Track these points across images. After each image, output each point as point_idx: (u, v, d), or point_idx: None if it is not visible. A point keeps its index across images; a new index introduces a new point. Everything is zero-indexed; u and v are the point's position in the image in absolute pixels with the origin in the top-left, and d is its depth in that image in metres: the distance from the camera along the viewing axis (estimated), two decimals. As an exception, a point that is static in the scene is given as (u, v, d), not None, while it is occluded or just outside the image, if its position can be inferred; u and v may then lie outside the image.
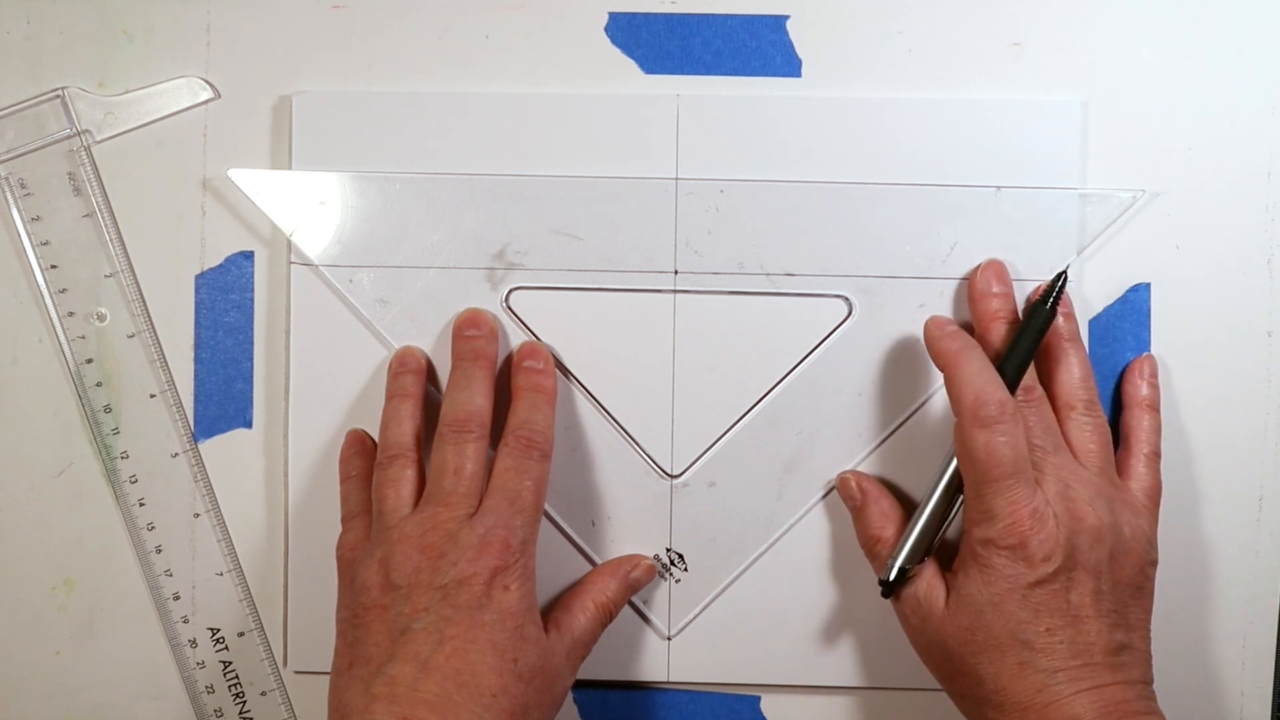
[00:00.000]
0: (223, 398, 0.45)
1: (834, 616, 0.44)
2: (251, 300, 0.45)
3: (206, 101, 0.45)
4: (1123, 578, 0.38)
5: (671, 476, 0.44)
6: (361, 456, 0.43)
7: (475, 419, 0.40)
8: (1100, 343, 0.44)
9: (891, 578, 0.40)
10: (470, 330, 0.43)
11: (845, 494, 0.43)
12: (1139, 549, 0.38)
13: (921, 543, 0.40)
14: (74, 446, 0.45)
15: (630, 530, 0.44)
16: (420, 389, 0.43)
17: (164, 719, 0.45)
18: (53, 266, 0.44)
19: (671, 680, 0.45)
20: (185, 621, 0.45)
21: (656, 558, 0.44)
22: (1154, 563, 0.39)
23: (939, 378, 0.43)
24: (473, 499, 0.39)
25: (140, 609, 0.45)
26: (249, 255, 0.45)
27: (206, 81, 0.45)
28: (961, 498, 0.39)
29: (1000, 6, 0.44)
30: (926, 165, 0.43)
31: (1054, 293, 0.40)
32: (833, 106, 0.43)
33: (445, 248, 0.44)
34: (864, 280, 0.43)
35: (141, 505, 0.45)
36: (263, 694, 0.45)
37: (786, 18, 0.44)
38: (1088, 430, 0.40)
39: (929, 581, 0.39)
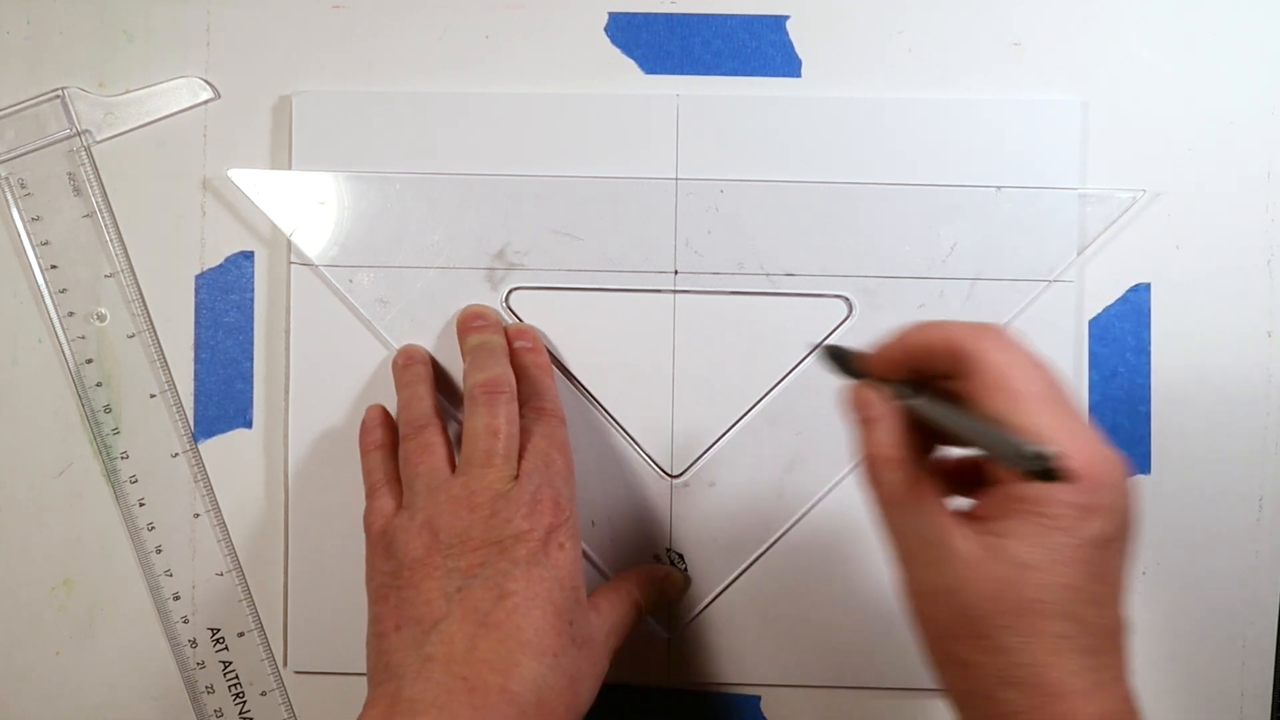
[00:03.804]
0: (223, 398, 0.45)
1: (834, 616, 0.44)
2: (251, 300, 0.45)
3: (206, 101, 0.45)
4: (1124, 538, 0.32)
5: (671, 476, 0.44)
6: (384, 428, 0.43)
7: (504, 381, 0.40)
8: (1100, 343, 0.44)
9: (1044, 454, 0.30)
10: (478, 321, 0.43)
11: (858, 404, 0.34)
12: (1130, 498, 0.32)
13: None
14: (74, 446, 0.45)
15: (630, 530, 0.44)
16: (430, 377, 0.43)
17: (164, 719, 0.45)
18: (53, 266, 0.44)
19: (671, 680, 0.45)
20: (185, 621, 0.45)
21: (656, 558, 0.44)
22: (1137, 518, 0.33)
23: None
24: (513, 460, 0.38)
25: (140, 609, 0.45)
26: (249, 255, 0.45)
27: (206, 81, 0.45)
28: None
29: (1000, 6, 0.44)
30: (926, 165, 0.43)
31: None
32: (833, 106, 0.43)
33: (445, 248, 0.44)
34: (864, 280, 0.43)
35: (141, 505, 0.45)
36: (263, 694, 0.45)
37: (786, 18, 0.44)
38: None
39: (948, 511, 0.32)
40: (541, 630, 0.35)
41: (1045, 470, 0.29)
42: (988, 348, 0.31)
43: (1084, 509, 0.30)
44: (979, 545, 0.31)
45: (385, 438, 0.42)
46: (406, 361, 0.43)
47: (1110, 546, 0.30)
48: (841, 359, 0.35)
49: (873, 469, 0.34)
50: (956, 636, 0.31)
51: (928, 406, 0.32)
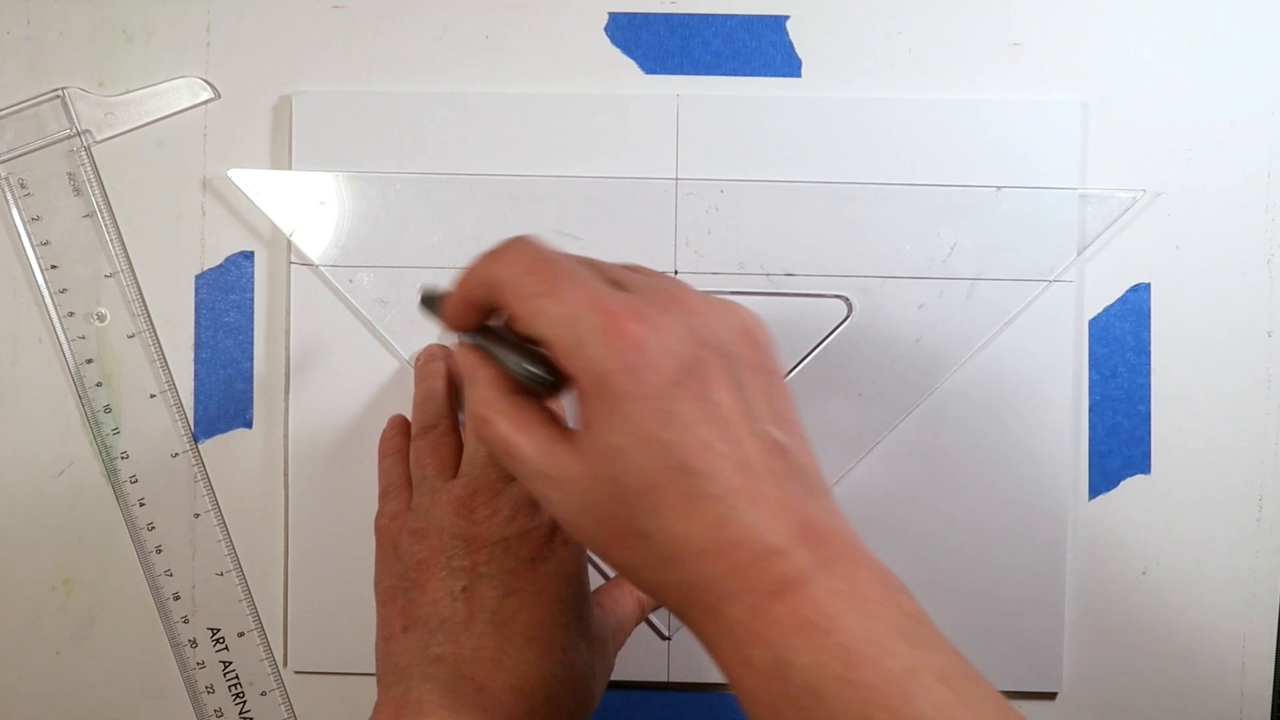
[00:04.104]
0: (223, 398, 0.45)
1: (834, 616, 0.44)
2: (251, 300, 0.45)
3: (206, 101, 0.45)
4: (751, 362, 0.30)
5: (671, 476, 0.44)
6: (402, 435, 0.43)
7: None
8: (1100, 343, 0.44)
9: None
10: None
11: (463, 362, 0.32)
12: (750, 321, 0.31)
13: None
14: (74, 446, 0.45)
15: (630, 530, 0.44)
16: (447, 375, 0.42)
17: (164, 719, 0.45)
18: (53, 266, 0.44)
19: (671, 680, 0.45)
20: (185, 621, 0.45)
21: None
22: (772, 342, 0.31)
23: (939, 378, 0.43)
24: None
25: (140, 609, 0.45)
26: (249, 255, 0.45)
27: (206, 81, 0.45)
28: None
29: (1000, 6, 0.44)
30: (926, 165, 0.43)
31: None
32: (833, 106, 0.43)
33: (445, 248, 0.44)
34: (864, 280, 0.43)
35: (141, 505, 0.45)
36: (263, 694, 0.45)
37: (786, 18, 0.44)
38: None
39: (549, 440, 0.30)
40: (548, 626, 0.35)
41: (549, 382, 0.30)
42: (498, 269, 0.30)
43: (640, 368, 0.27)
44: (579, 459, 0.29)
45: (401, 445, 0.42)
46: (427, 359, 0.43)
47: (690, 382, 0.28)
48: (435, 307, 0.33)
49: (476, 427, 0.31)
50: (615, 546, 0.29)
51: (487, 346, 0.31)
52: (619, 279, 0.30)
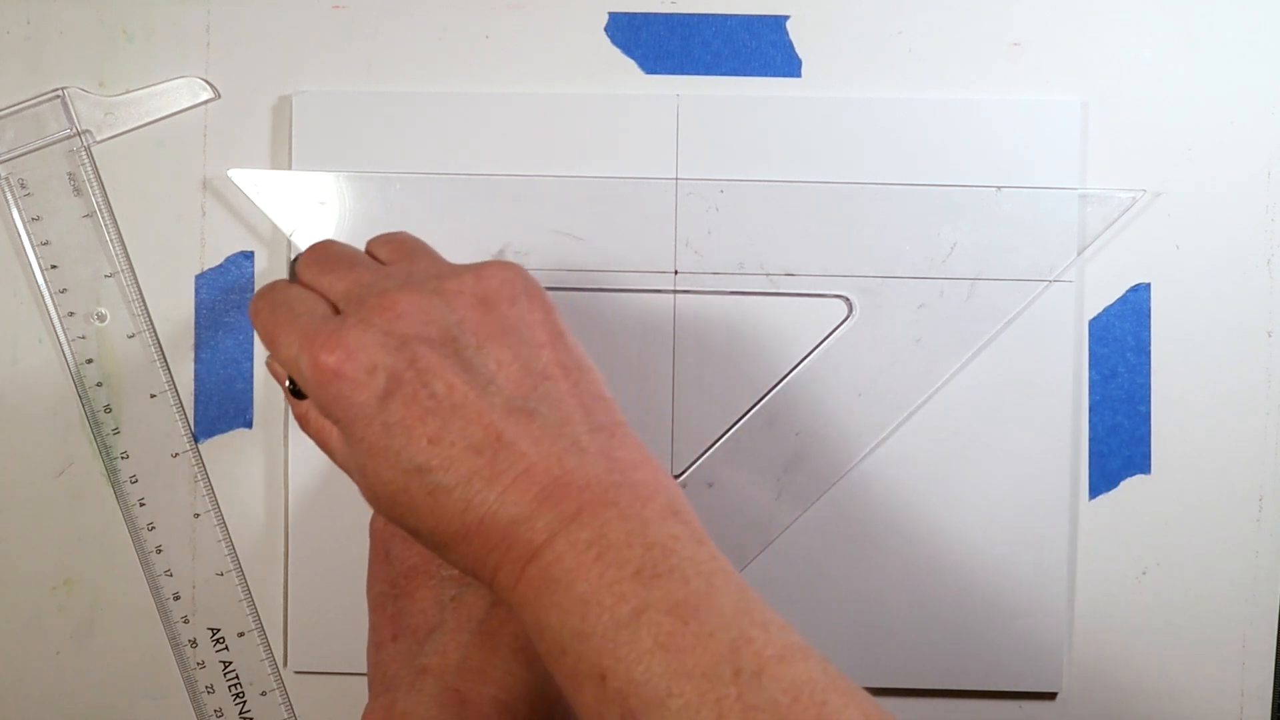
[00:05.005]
0: (223, 398, 0.45)
1: (833, 617, 0.44)
2: (251, 300, 0.45)
3: (206, 101, 0.45)
4: (485, 330, 0.30)
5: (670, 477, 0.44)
6: None
7: None
8: (1100, 343, 0.44)
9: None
10: None
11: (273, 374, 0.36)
12: (489, 286, 0.31)
13: None
14: (74, 446, 0.45)
15: (630, 530, 0.44)
16: None
17: (164, 719, 0.45)
18: (53, 266, 0.44)
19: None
20: (185, 621, 0.45)
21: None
22: (522, 293, 0.31)
23: (939, 378, 0.43)
24: None
25: (140, 609, 0.45)
26: (249, 255, 0.45)
27: (206, 81, 0.45)
28: None
29: (1000, 6, 0.44)
30: (926, 165, 0.43)
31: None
32: (833, 106, 0.43)
33: (445, 248, 0.44)
34: (864, 280, 0.43)
35: (141, 505, 0.45)
36: (263, 694, 0.45)
37: (786, 18, 0.44)
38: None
39: (341, 442, 0.31)
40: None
41: (296, 391, 0.33)
42: (257, 330, 0.33)
43: (346, 388, 0.29)
44: (361, 486, 0.30)
45: None
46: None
47: (401, 386, 0.29)
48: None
49: (304, 428, 0.34)
50: (409, 542, 0.34)
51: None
52: (354, 284, 0.31)
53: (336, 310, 0.32)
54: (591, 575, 0.26)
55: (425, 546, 0.31)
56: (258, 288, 0.44)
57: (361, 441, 0.29)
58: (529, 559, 0.27)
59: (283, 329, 0.31)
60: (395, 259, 0.34)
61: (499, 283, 0.31)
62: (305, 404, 0.33)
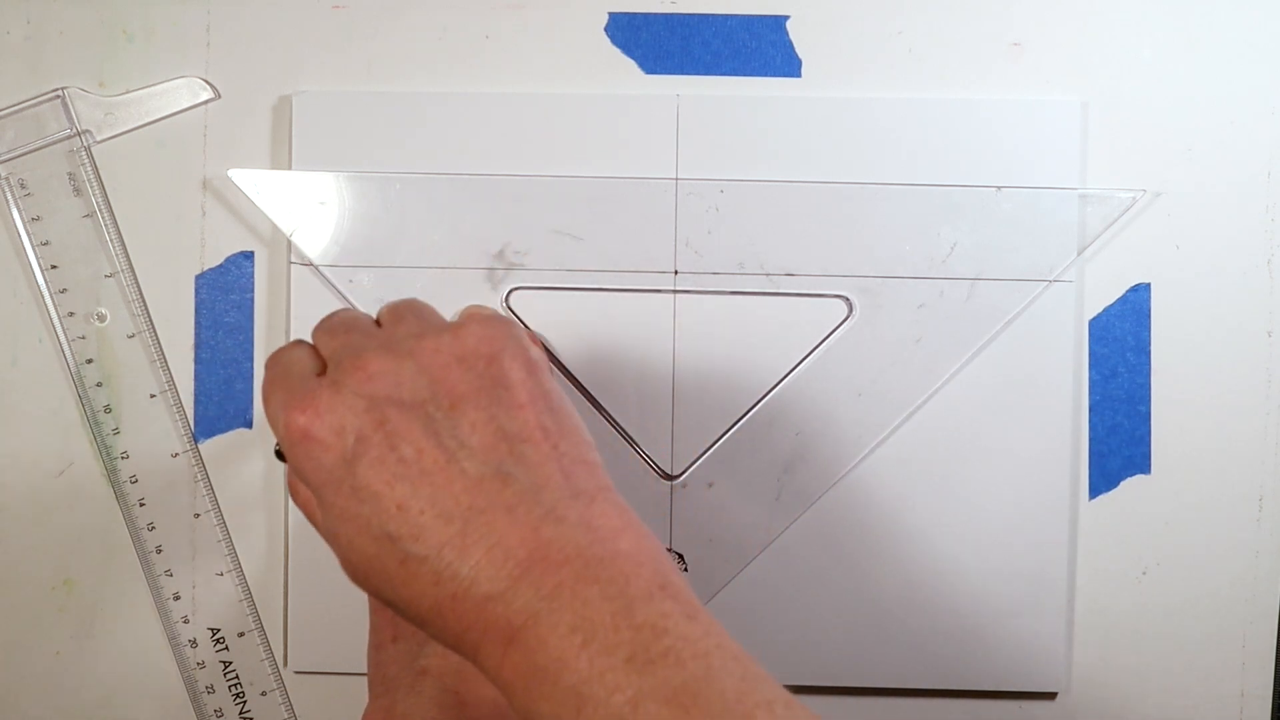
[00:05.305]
0: (223, 398, 0.45)
1: (833, 617, 0.44)
2: (251, 300, 0.45)
3: (206, 101, 0.45)
4: (461, 392, 0.29)
5: (671, 477, 0.44)
6: None
7: None
8: (1100, 343, 0.44)
9: None
10: None
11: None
12: (470, 346, 0.30)
13: None
14: (74, 446, 0.45)
15: (630, 530, 0.44)
16: None
17: (164, 719, 0.45)
18: (53, 266, 0.44)
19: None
20: (185, 621, 0.45)
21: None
22: (502, 351, 0.30)
23: (939, 378, 0.43)
24: None
25: (140, 609, 0.45)
26: (249, 255, 0.45)
27: (206, 81, 0.45)
28: None
29: (1000, 6, 0.44)
30: (926, 165, 0.43)
31: None
32: (833, 106, 0.43)
33: (445, 248, 0.44)
34: (864, 280, 0.43)
35: (141, 505, 0.45)
36: (263, 694, 0.45)
37: (786, 18, 0.44)
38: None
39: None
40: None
41: (279, 454, 0.32)
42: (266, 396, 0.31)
43: (315, 449, 0.28)
44: (326, 527, 0.29)
45: None
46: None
47: (369, 449, 0.28)
48: None
49: (293, 497, 0.33)
50: (384, 611, 0.34)
51: None
52: (340, 346, 0.31)
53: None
54: (580, 664, 0.25)
55: (407, 621, 0.29)
56: (258, 288, 0.45)
57: (332, 507, 0.28)
58: (508, 641, 0.26)
59: (274, 389, 0.30)
60: (390, 322, 0.32)
61: (477, 340, 0.30)
62: (290, 470, 0.31)
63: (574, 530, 0.27)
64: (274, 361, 0.32)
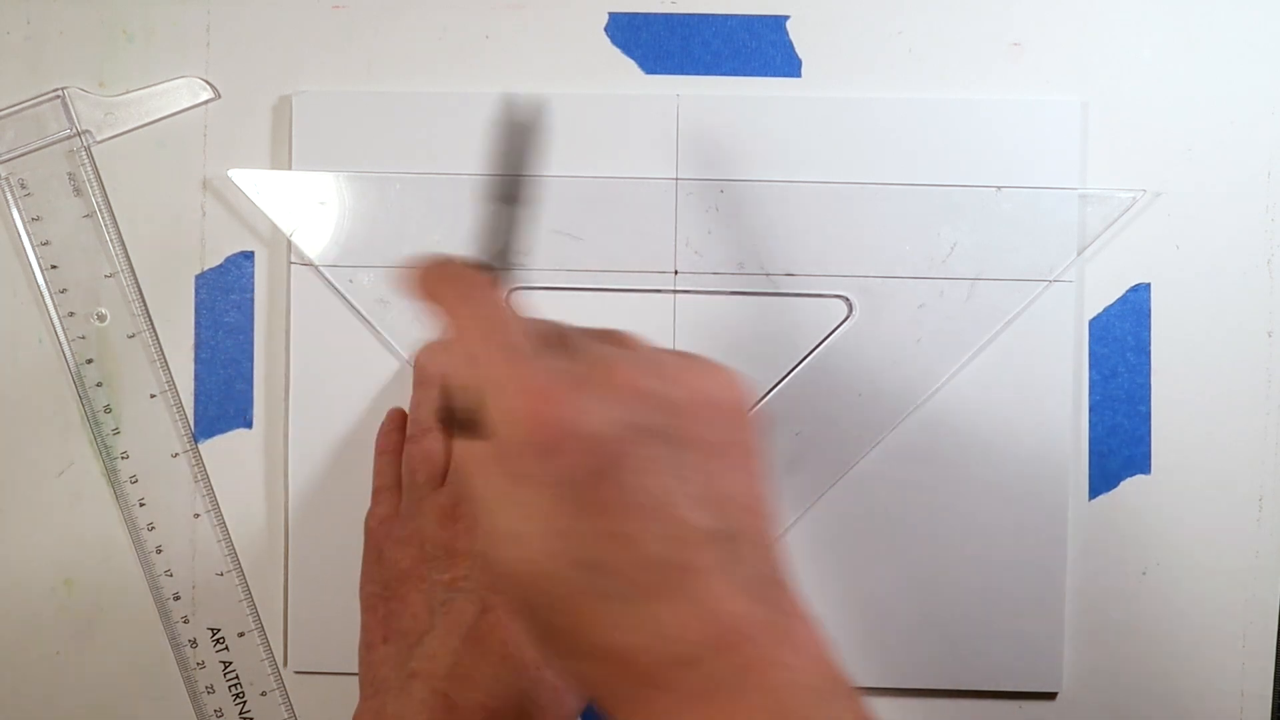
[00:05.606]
0: (223, 398, 0.45)
1: (833, 617, 0.44)
2: (251, 300, 0.45)
3: (206, 101, 0.45)
4: (698, 437, 0.26)
5: (671, 476, 0.44)
6: (399, 432, 0.42)
7: None
8: (1100, 343, 0.44)
9: None
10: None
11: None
12: (716, 388, 0.28)
13: None
14: (74, 446, 0.45)
15: (630, 530, 0.44)
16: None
17: (164, 719, 0.45)
18: (53, 266, 0.44)
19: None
20: (185, 621, 0.45)
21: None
22: (742, 407, 0.28)
23: (939, 378, 0.43)
24: None
25: (140, 609, 0.45)
26: (249, 255, 0.45)
27: (206, 81, 0.45)
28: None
29: (1000, 6, 0.44)
30: (926, 165, 0.43)
31: None
32: (833, 106, 0.43)
33: (445, 248, 0.44)
34: (864, 280, 0.43)
35: (141, 505, 0.45)
36: (263, 694, 0.45)
37: (786, 18, 0.44)
38: None
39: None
40: (524, 644, 0.35)
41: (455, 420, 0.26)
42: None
43: (541, 453, 0.24)
44: (508, 523, 0.26)
45: (397, 442, 0.42)
46: (427, 359, 0.43)
47: (604, 477, 0.25)
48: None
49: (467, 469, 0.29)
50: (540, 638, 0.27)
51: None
52: (561, 343, 0.27)
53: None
54: None
55: (537, 650, 0.27)
56: (258, 288, 0.45)
57: (544, 518, 0.24)
58: (696, 698, 0.24)
59: (493, 352, 0.25)
60: (597, 338, 0.29)
61: (722, 386, 0.27)
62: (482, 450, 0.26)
63: (769, 605, 0.26)
64: (475, 310, 0.27)
